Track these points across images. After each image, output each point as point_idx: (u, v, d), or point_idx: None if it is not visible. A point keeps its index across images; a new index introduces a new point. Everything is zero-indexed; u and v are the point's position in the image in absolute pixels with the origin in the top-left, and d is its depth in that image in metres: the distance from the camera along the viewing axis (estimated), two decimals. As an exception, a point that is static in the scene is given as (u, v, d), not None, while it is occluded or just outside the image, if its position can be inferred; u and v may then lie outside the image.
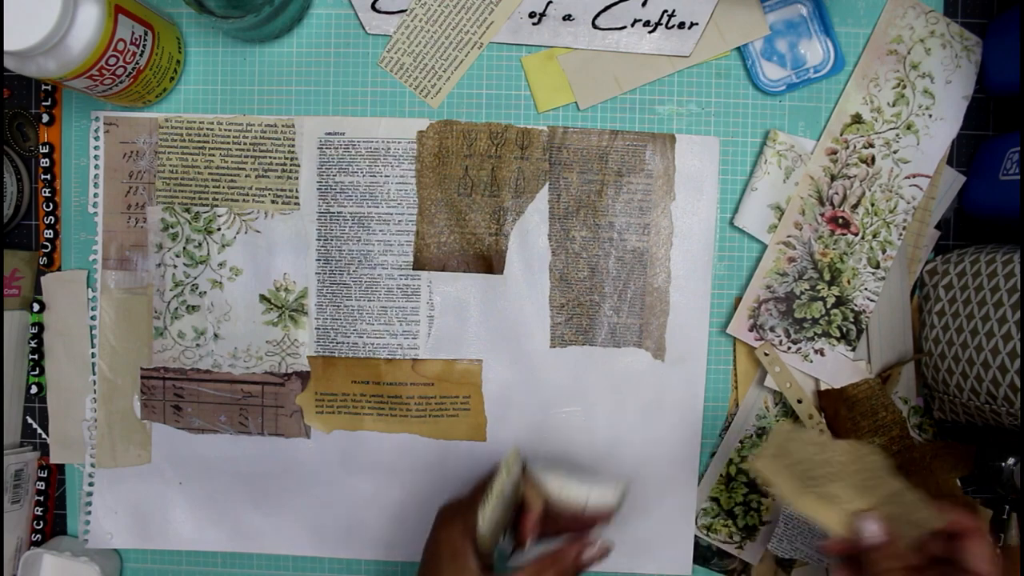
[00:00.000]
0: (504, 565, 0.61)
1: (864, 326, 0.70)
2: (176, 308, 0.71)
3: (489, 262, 0.71)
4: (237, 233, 0.71)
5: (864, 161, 0.70)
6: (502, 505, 0.56)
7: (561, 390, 0.72)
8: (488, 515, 0.55)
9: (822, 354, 0.70)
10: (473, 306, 0.71)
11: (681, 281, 0.71)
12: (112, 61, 0.59)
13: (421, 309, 0.71)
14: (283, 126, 0.70)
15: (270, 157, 0.70)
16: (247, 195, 0.70)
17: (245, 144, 0.70)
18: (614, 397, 0.72)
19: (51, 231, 0.72)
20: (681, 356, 0.71)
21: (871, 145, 0.70)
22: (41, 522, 0.73)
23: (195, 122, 0.70)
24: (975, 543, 0.53)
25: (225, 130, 0.70)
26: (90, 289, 0.72)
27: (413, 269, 0.71)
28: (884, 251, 0.70)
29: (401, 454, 0.72)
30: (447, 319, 0.71)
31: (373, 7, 0.69)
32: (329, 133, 0.70)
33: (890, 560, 0.54)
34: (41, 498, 0.73)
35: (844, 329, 0.70)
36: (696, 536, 0.73)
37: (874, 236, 0.70)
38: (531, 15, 0.69)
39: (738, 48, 0.70)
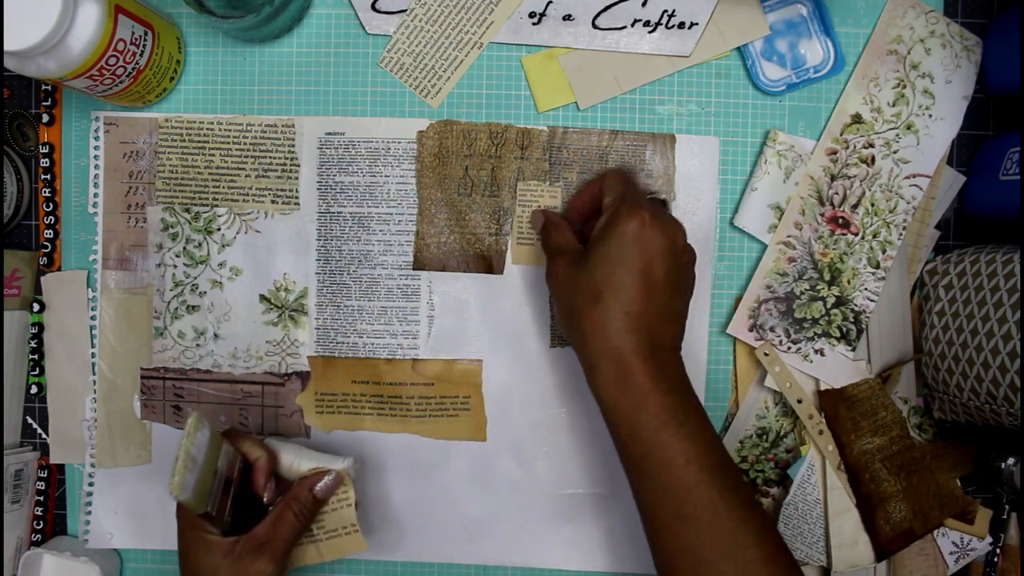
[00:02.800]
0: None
1: (864, 326, 0.70)
2: (176, 308, 0.71)
3: (489, 262, 0.71)
4: (237, 233, 0.71)
5: (864, 161, 0.70)
6: (197, 468, 0.55)
7: (562, 390, 0.72)
8: (178, 480, 0.53)
9: (822, 354, 0.70)
10: (473, 306, 0.71)
11: (681, 282, 0.71)
12: (112, 61, 0.59)
13: (421, 309, 0.71)
14: (283, 126, 0.70)
15: (270, 157, 0.70)
16: (247, 195, 0.70)
17: (245, 144, 0.70)
18: (614, 397, 0.72)
19: (51, 231, 0.72)
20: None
21: (871, 145, 0.70)
22: (41, 522, 0.73)
23: (195, 122, 0.70)
24: (605, 180, 0.64)
25: (225, 130, 0.70)
26: (90, 289, 0.72)
27: (413, 269, 0.71)
28: (884, 251, 0.70)
29: (401, 454, 0.72)
30: (447, 319, 0.71)
31: (373, 7, 0.69)
32: (329, 133, 0.70)
33: (549, 222, 0.67)
34: (41, 498, 0.73)
35: (844, 329, 0.70)
36: (696, 536, 0.73)
37: (874, 236, 0.70)
38: (531, 15, 0.69)
39: (738, 48, 0.70)
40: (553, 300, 0.70)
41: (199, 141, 0.70)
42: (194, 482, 0.55)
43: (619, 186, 0.62)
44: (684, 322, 0.62)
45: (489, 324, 0.71)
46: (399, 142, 0.70)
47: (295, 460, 0.64)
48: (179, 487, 0.54)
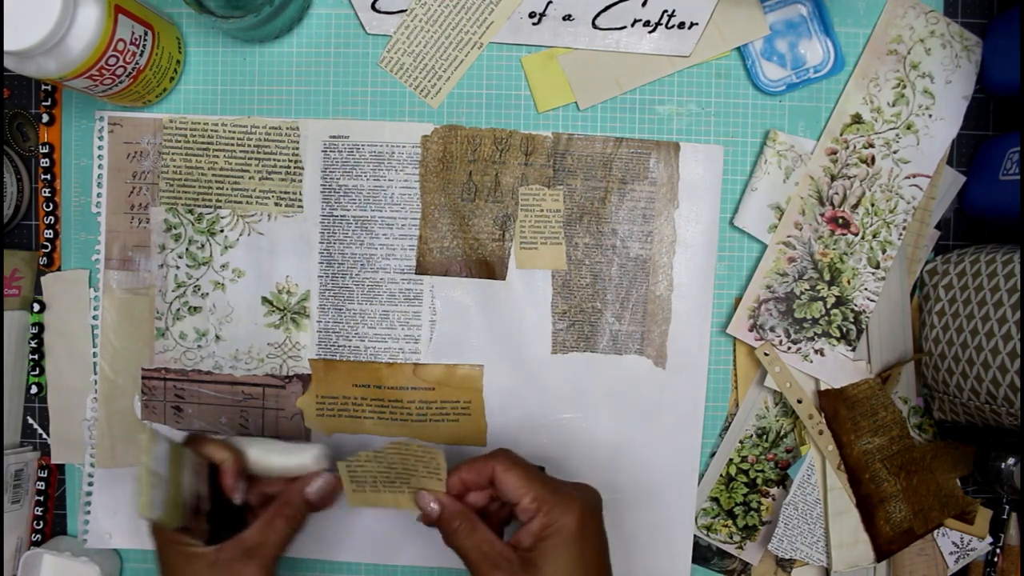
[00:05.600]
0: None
1: (864, 326, 0.71)
2: (178, 309, 0.71)
3: (491, 267, 0.71)
4: (240, 235, 0.71)
5: (864, 161, 0.70)
6: (163, 484, 0.54)
7: (562, 396, 0.72)
8: (145, 499, 0.52)
9: (822, 354, 0.71)
10: (475, 311, 0.71)
11: (683, 289, 0.71)
12: (112, 61, 0.59)
13: (423, 314, 0.71)
14: (287, 129, 0.70)
15: (274, 160, 0.70)
16: (250, 197, 0.70)
17: (249, 146, 0.70)
18: (615, 403, 0.72)
19: (51, 231, 0.71)
20: (683, 363, 0.71)
21: (871, 145, 0.70)
22: (41, 522, 0.73)
23: (199, 123, 0.70)
24: (502, 478, 0.58)
25: (229, 132, 0.70)
26: (92, 289, 0.72)
27: (415, 274, 0.71)
28: (884, 251, 0.70)
29: (402, 457, 0.72)
30: (449, 324, 0.71)
31: (373, 7, 0.69)
32: (333, 136, 0.70)
33: (454, 518, 0.58)
34: (41, 498, 0.73)
35: (844, 329, 0.70)
36: (696, 536, 0.73)
37: (874, 236, 0.70)
38: (531, 15, 0.69)
39: (738, 48, 0.70)
40: None
41: (203, 142, 0.70)
42: (163, 498, 0.54)
43: (532, 484, 0.57)
44: None
45: (491, 330, 0.71)
46: (403, 146, 0.70)
47: (263, 455, 0.62)
48: (147, 507, 0.53)
